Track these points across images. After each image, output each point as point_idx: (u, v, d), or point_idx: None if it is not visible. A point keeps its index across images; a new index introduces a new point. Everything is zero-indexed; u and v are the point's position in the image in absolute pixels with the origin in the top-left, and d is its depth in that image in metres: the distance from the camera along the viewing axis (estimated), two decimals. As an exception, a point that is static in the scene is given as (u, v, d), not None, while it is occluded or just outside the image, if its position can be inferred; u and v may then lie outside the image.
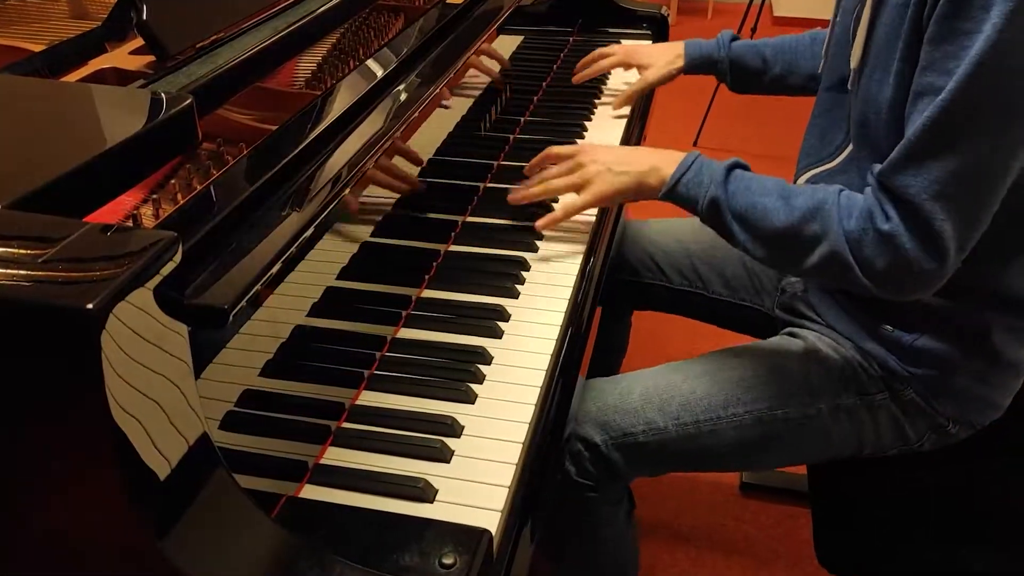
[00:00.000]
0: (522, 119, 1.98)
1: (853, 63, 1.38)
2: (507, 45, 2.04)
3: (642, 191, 1.48)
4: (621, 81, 2.21)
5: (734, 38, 2.02)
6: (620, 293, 1.90)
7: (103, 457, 0.76)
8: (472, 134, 1.76)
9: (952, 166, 1.20)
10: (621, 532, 1.67)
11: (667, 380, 1.50)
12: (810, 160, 1.54)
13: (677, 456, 1.51)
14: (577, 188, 1.51)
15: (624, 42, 2.40)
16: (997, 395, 1.46)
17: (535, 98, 2.08)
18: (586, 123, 1.98)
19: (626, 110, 2.05)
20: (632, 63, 2.07)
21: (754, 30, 4.49)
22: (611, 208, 1.67)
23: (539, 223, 1.52)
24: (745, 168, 1.43)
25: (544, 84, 2.15)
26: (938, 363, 1.42)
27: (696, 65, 2.02)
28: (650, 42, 2.41)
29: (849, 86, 1.41)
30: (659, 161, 1.46)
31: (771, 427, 1.46)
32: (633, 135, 1.99)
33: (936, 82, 1.20)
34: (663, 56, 2.03)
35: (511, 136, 1.90)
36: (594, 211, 1.63)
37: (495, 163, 1.79)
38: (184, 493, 0.83)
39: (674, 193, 1.43)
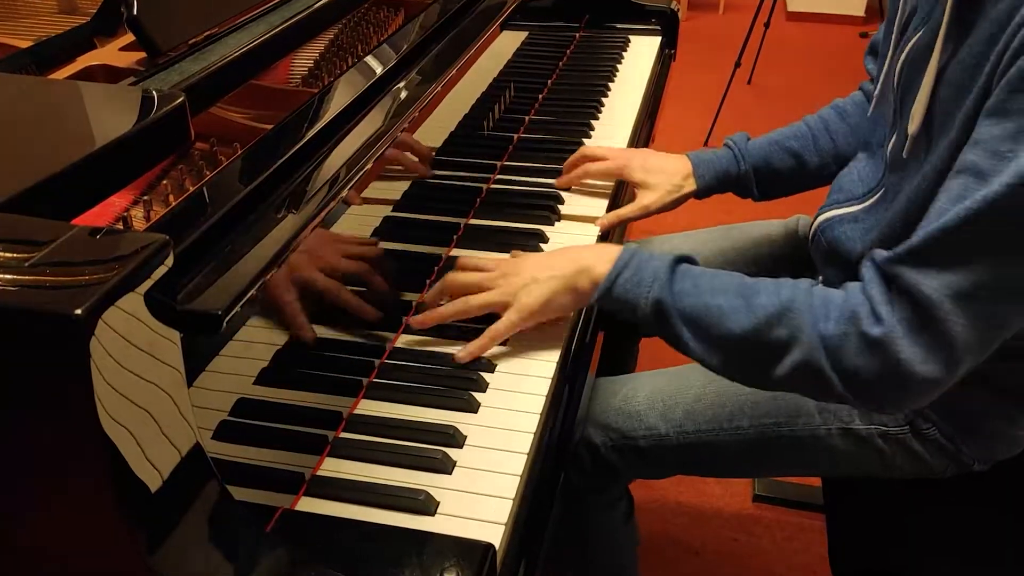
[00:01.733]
0: (526, 118, 1.98)
1: (912, 128, 1.22)
2: (511, 41, 2.05)
3: (576, 295, 1.31)
4: (632, 76, 2.21)
5: (747, 139, 1.73)
6: (621, 322, 1.88)
7: (91, 468, 0.76)
8: (474, 133, 1.76)
9: (987, 274, 1.05)
10: (618, 532, 1.67)
11: (674, 385, 1.50)
12: (840, 197, 1.44)
13: (677, 462, 1.51)
14: (499, 307, 1.32)
15: (631, 39, 2.41)
16: None
17: (540, 96, 2.08)
18: (592, 122, 1.98)
19: (632, 113, 2.04)
20: (627, 178, 1.73)
21: (767, 25, 4.49)
22: (613, 227, 1.66)
23: (459, 355, 1.29)
24: (692, 262, 1.29)
25: (549, 82, 2.15)
26: (965, 408, 1.35)
27: (712, 186, 1.71)
28: (659, 39, 2.41)
29: (906, 154, 1.25)
30: (590, 260, 1.30)
31: (776, 443, 1.45)
32: (641, 136, 2.00)
33: (981, 163, 1.04)
34: (667, 178, 1.69)
35: (515, 136, 1.90)
36: (599, 215, 1.63)
37: (498, 163, 1.79)
38: (176, 506, 0.83)
39: (610, 296, 1.27)
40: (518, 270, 1.33)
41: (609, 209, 1.66)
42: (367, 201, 1.30)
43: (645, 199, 1.67)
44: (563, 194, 1.70)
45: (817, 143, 1.68)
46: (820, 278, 1.51)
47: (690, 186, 1.68)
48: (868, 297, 1.12)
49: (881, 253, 1.14)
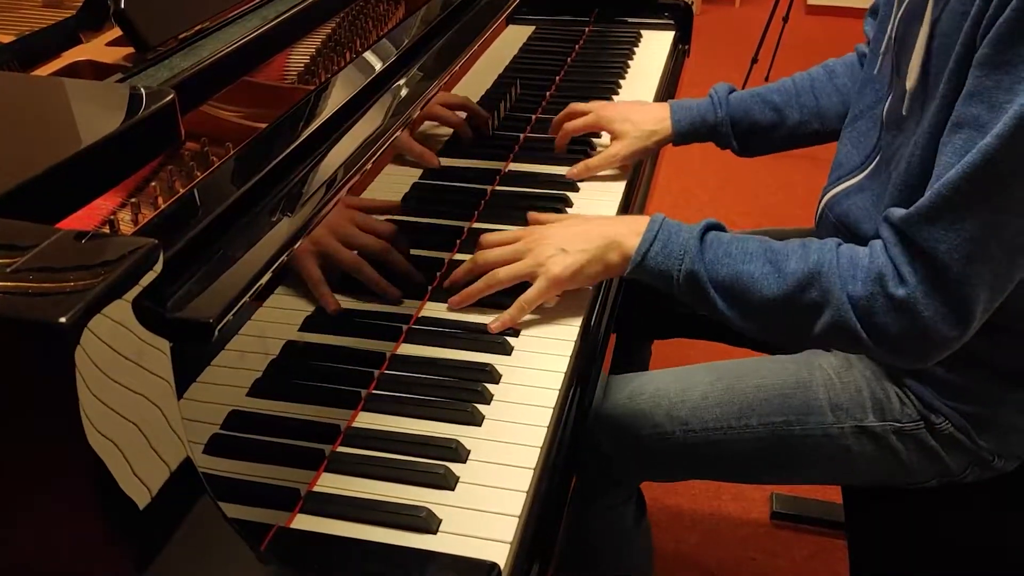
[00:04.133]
0: (533, 117, 1.98)
1: (909, 84, 1.29)
2: (517, 36, 2.05)
3: (606, 269, 1.38)
4: (644, 72, 2.21)
5: (731, 90, 1.81)
6: (635, 321, 1.89)
7: (76, 484, 0.76)
8: (479, 133, 1.76)
9: (993, 224, 1.13)
10: (628, 535, 1.67)
11: (681, 383, 1.50)
12: (841, 172, 1.50)
13: (683, 463, 1.52)
14: (528, 277, 1.37)
15: (643, 34, 2.41)
16: None
17: (548, 94, 2.08)
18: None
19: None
20: (604, 128, 1.81)
21: (785, 20, 4.50)
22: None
23: (492, 325, 1.35)
24: (720, 228, 1.36)
25: (557, 79, 2.15)
26: (979, 398, 1.39)
27: (688, 132, 1.79)
28: (672, 34, 2.41)
29: (905, 111, 1.31)
30: (620, 232, 1.37)
31: (786, 442, 1.45)
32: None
33: (981, 116, 1.12)
34: (642, 122, 1.77)
35: (521, 135, 1.90)
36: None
37: (504, 165, 1.79)
38: (165, 523, 0.83)
39: (643, 269, 1.34)
40: (545, 238, 1.39)
41: (620, 211, 1.66)
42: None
43: (615, 147, 1.76)
44: (572, 196, 1.70)
45: (799, 98, 1.77)
46: None
47: (664, 130, 1.77)
48: (891, 257, 1.21)
49: (897, 212, 1.21)
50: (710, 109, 1.78)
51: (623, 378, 1.54)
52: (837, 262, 1.24)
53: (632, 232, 1.35)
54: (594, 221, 1.43)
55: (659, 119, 1.78)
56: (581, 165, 1.74)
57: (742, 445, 1.46)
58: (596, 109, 1.80)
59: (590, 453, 1.48)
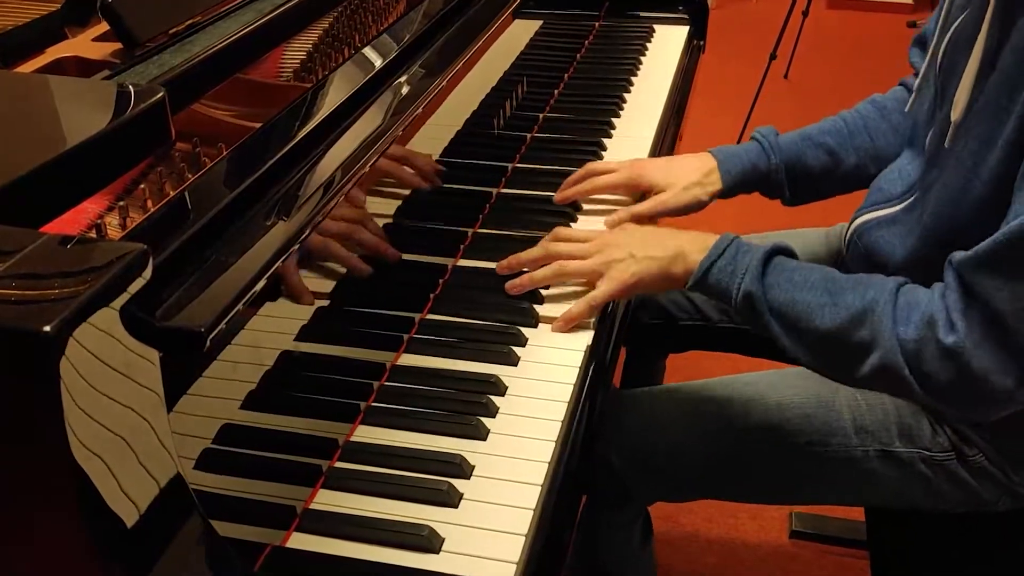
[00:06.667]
0: (541, 116, 1.98)
1: (955, 115, 1.27)
2: (524, 31, 2.05)
3: (669, 280, 1.40)
4: (656, 69, 2.21)
5: (776, 133, 1.71)
6: (647, 338, 1.88)
7: (61, 501, 0.76)
8: (484, 133, 1.77)
9: None
10: (634, 558, 1.67)
11: (697, 398, 1.50)
12: (878, 198, 1.48)
13: (698, 482, 1.51)
14: (595, 276, 1.42)
15: (656, 29, 2.41)
16: None
17: (556, 92, 2.08)
18: (614, 120, 1.98)
19: (657, 110, 2.04)
20: (640, 187, 1.69)
21: (805, 14, 4.50)
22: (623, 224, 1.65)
23: (556, 324, 1.38)
24: (789, 254, 1.36)
25: (566, 76, 2.15)
26: (1013, 434, 1.37)
27: (738, 184, 1.68)
28: (686, 29, 2.41)
29: (948, 143, 1.29)
30: (687, 246, 1.39)
31: (807, 463, 1.45)
32: (667, 136, 1.99)
33: None
34: (684, 175, 1.66)
35: (528, 135, 1.90)
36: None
37: (510, 166, 1.80)
38: (155, 543, 0.83)
39: (704, 283, 1.36)
40: (616, 243, 1.44)
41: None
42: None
43: (666, 197, 1.64)
44: (579, 201, 1.69)
45: (854, 140, 1.68)
46: None
47: (714, 184, 1.65)
48: (946, 303, 1.18)
49: (959, 255, 1.18)
50: (762, 156, 1.68)
51: (637, 393, 1.54)
52: (894, 302, 1.23)
53: (700, 247, 1.37)
54: (665, 232, 1.47)
55: (704, 170, 1.66)
56: (624, 211, 1.63)
57: (760, 465, 1.46)
58: (624, 167, 1.69)
59: (602, 470, 1.48)
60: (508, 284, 1.44)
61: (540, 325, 1.40)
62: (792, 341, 1.30)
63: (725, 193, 1.67)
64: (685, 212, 1.66)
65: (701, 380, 1.55)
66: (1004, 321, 1.13)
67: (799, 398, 1.47)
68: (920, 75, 1.46)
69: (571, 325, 1.39)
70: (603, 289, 1.40)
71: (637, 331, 1.50)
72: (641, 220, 1.62)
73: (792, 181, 1.68)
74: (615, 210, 1.64)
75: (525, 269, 1.46)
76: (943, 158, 1.30)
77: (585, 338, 1.37)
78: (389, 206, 1.39)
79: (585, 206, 1.70)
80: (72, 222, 0.90)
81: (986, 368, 1.15)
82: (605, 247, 1.43)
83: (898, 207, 1.42)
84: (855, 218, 1.50)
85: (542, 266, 1.45)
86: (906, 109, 1.48)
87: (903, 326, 1.20)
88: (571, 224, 1.64)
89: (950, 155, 1.28)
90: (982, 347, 1.15)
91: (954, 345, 1.16)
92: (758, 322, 1.32)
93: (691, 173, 1.66)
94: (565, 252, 1.45)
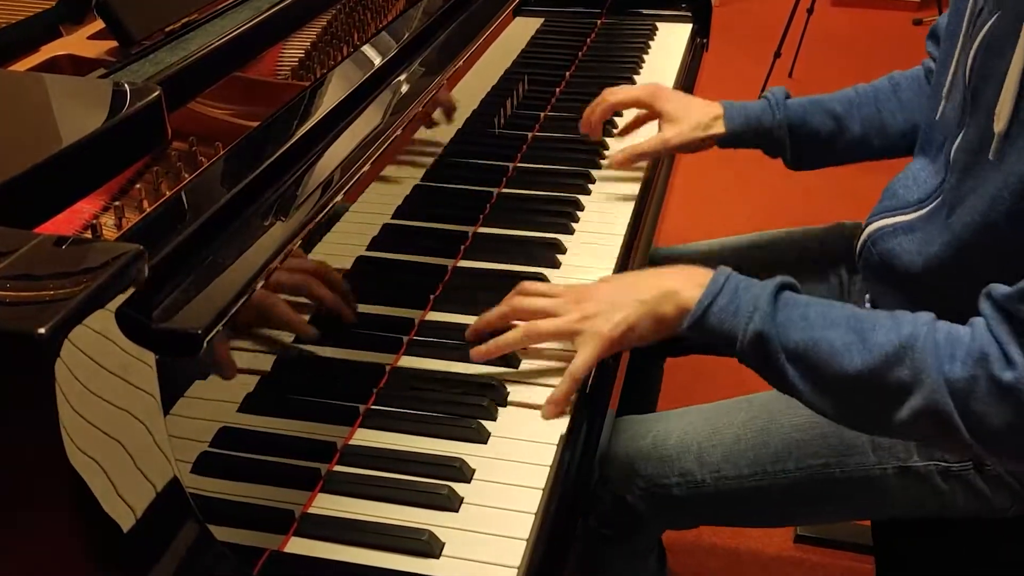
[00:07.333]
0: (542, 115, 1.98)
1: (998, 126, 1.20)
2: (525, 29, 2.05)
3: (660, 323, 1.28)
4: (659, 68, 2.21)
5: (787, 94, 1.73)
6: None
7: (57, 505, 0.76)
8: (484, 132, 1.77)
9: None
10: None
11: (709, 425, 1.48)
12: (894, 204, 1.44)
13: (713, 511, 1.50)
14: (571, 335, 1.30)
15: (659, 27, 2.41)
16: None
17: (557, 91, 2.08)
18: (616, 119, 1.97)
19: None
20: (655, 108, 1.77)
21: (810, 11, 4.50)
22: (643, 224, 1.65)
23: (546, 409, 1.26)
24: (795, 289, 1.27)
25: (567, 74, 2.15)
26: None
27: (740, 132, 1.71)
28: (690, 27, 2.41)
29: (992, 155, 1.22)
30: (676, 283, 1.28)
31: (825, 485, 1.43)
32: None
33: None
34: (695, 114, 1.72)
35: (529, 135, 1.90)
36: (623, 224, 1.62)
37: (511, 166, 1.80)
38: (151, 548, 0.83)
39: (704, 324, 1.25)
40: (592, 295, 1.31)
41: (634, 220, 1.65)
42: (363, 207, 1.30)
43: (668, 132, 1.73)
44: (583, 199, 1.69)
45: (862, 111, 1.69)
46: (868, 296, 1.50)
47: (718, 127, 1.71)
48: (996, 337, 1.10)
49: (1000, 289, 1.12)
50: (767, 111, 1.69)
51: (645, 420, 1.51)
52: (934, 338, 1.13)
53: (691, 283, 1.27)
54: (644, 273, 1.37)
55: (712, 114, 1.72)
56: (628, 149, 1.74)
57: (776, 490, 1.43)
58: (645, 86, 1.81)
59: (611, 502, 1.47)
60: (473, 352, 1.31)
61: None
62: (811, 386, 1.21)
63: (726, 140, 1.72)
64: (684, 151, 1.75)
65: (711, 404, 1.53)
66: None
67: (813, 417, 1.39)
68: (943, 84, 1.41)
69: (561, 408, 1.26)
70: (584, 354, 1.27)
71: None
72: (644, 158, 1.75)
73: (795, 143, 1.70)
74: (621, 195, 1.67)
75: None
76: (978, 171, 1.25)
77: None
78: (388, 206, 1.39)
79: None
80: (67, 222, 0.90)
81: None
82: (580, 300, 1.31)
83: (915, 215, 1.39)
84: (869, 223, 1.48)
85: (510, 325, 1.32)
86: (936, 117, 1.43)
87: (948, 363, 1.11)
88: (578, 213, 1.65)
89: (985, 168, 1.23)
90: None
91: (1014, 381, 1.07)
92: (770, 366, 1.22)
93: (700, 114, 1.72)
94: (534, 309, 1.32)
